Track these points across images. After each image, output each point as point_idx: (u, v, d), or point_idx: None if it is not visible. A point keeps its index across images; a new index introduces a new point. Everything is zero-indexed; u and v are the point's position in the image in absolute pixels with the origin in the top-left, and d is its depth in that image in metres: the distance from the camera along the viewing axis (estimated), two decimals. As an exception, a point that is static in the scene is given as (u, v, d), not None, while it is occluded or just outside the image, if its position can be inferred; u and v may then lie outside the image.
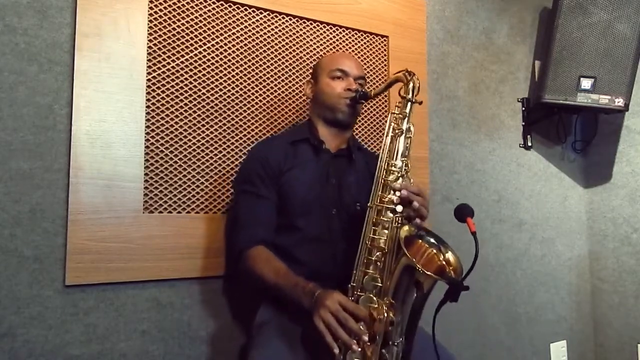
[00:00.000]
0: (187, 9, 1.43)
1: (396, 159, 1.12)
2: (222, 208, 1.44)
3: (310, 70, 1.61)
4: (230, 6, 1.50)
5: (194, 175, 1.41)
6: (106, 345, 1.27)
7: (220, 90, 1.47)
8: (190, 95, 1.42)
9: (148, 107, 1.36)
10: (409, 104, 1.16)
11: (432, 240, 1.05)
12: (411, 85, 1.16)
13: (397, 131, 1.14)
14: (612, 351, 2.20)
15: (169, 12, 1.41)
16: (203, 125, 1.44)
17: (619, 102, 1.96)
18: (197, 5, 1.45)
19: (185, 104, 1.41)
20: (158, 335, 1.34)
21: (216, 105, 1.46)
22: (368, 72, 1.75)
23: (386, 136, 1.16)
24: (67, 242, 1.23)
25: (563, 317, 2.21)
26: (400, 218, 1.07)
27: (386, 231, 1.07)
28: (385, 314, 1.00)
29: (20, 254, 1.19)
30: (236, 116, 1.49)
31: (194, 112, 1.43)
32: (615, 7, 1.90)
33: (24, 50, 1.23)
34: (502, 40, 2.14)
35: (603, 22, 1.91)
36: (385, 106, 1.78)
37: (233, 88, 1.49)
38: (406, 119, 1.15)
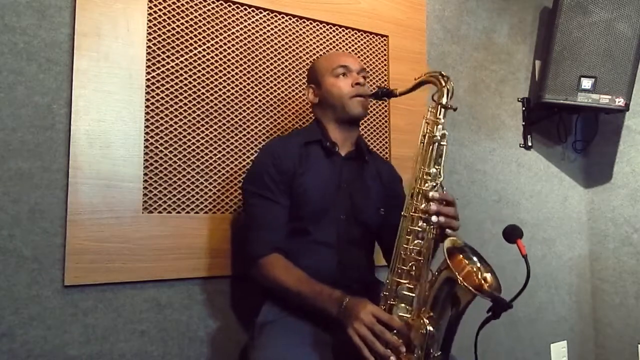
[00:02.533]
0: (187, 9, 1.43)
1: (430, 167, 1.07)
2: (222, 208, 1.44)
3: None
4: (230, 6, 1.50)
5: (193, 175, 1.41)
6: (105, 346, 1.27)
7: (220, 90, 1.47)
8: (190, 95, 1.42)
9: (147, 106, 1.36)
10: (443, 110, 1.09)
11: (474, 257, 1.02)
12: (446, 90, 1.10)
13: (431, 138, 1.08)
14: (612, 351, 2.20)
15: (169, 11, 1.40)
16: (202, 125, 1.43)
17: (620, 102, 1.96)
18: (196, 4, 1.44)
19: (185, 104, 1.41)
20: (157, 336, 1.34)
21: (216, 105, 1.46)
22: (368, 72, 1.74)
23: (420, 143, 1.10)
24: (66, 242, 1.23)
25: (563, 318, 2.21)
26: (435, 228, 1.04)
27: (421, 241, 1.04)
28: (429, 327, 0.97)
29: (19, 254, 1.19)
30: (236, 116, 1.49)
31: (194, 112, 1.42)
32: (616, 7, 1.90)
33: (22, 49, 1.22)
34: (502, 40, 2.14)
35: (603, 21, 1.90)
36: (385, 106, 1.77)
37: (233, 88, 1.49)
38: (440, 125, 1.08)
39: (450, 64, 1.98)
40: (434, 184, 1.06)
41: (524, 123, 2.16)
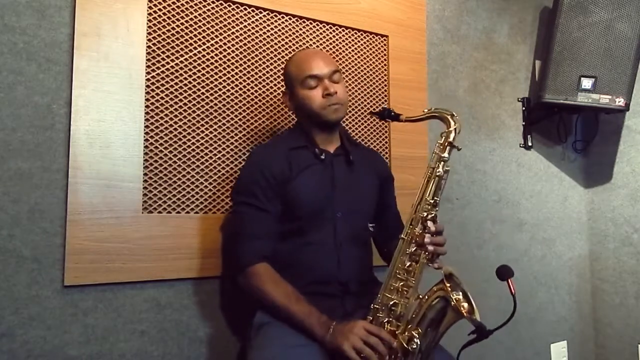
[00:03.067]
0: (187, 9, 1.43)
1: (430, 198, 1.15)
2: (222, 208, 1.44)
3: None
4: (229, 5, 1.50)
5: (193, 175, 1.41)
6: (105, 346, 1.27)
7: (220, 90, 1.47)
8: (190, 95, 1.42)
9: (147, 106, 1.35)
10: (449, 148, 1.16)
11: (460, 289, 1.09)
12: (454, 131, 1.16)
13: (435, 172, 1.16)
14: (612, 352, 2.19)
15: (168, 11, 1.40)
16: (202, 125, 1.43)
17: (620, 101, 1.96)
18: (196, 4, 1.44)
19: (185, 104, 1.41)
20: (157, 336, 1.34)
21: (216, 105, 1.46)
22: (368, 72, 1.75)
23: (426, 173, 1.17)
24: (65, 242, 1.23)
25: (563, 318, 2.21)
26: (427, 253, 1.12)
27: (414, 263, 1.13)
28: (416, 340, 1.06)
29: (19, 254, 1.19)
30: (236, 116, 1.49)
31: (194, 112, 1.42)
32: (616, 7, 1.89)
33: (22, 49, 1.22)
34: (502, 39, 2.14)
35: (603, 21, 1.90)
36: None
37: (233, 88, 1.49)
38: (444, 162, 1.16)
39: (450, 64, 1.98)
40: (432, 214, 1.14)
41: (524, 123, 2.16)
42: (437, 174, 1.15)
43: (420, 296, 1.11)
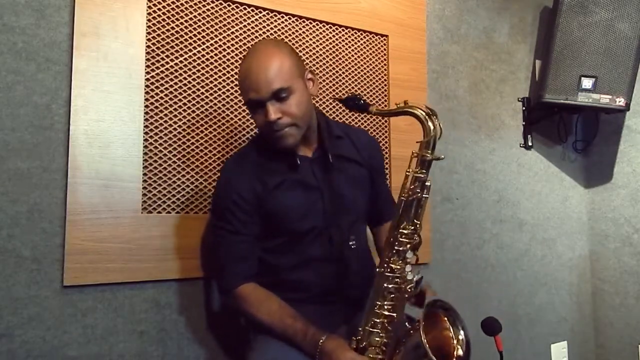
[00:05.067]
0: (186, 8, 1.42)
1: (409, 223, 1.01)
2: (221, 208, 1.44)
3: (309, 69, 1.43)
4: (229, 5, 1.49)
5: (192, 175, 1.41)
6: (104, 346, 1.27)
7: (220, 90, 1.46)
8: (190, 95, 1.41)
9: (147, 106, 1.35)
10: (430, 162, 0.99)
11: (452, 319, 1.03)
12: (432, 139, 0.98)
13: (414, 192, 1.00)
14: (612, 352, 2.19)
15: (168, 11, 1.40)
16: (202, 125, 1.43)
17: (620, 101, 1.96)
18: (196, 4, 1.44)
19: (184, 104, 1.41)
20: (157, 336, 1.34)
21: (215, 105, 1.45)
22: (368, 72, 1.74)
23: (400, 196, 1.02)
24: (65, 242, 1.23)
25: (564, 318, 2.21)
26: (409, 287, 1.02)
27: (397, 294, 1.03)
28: None
29: (19, 255, 1.19)
30: (235, 116, 1.48)
31: (193, 112, 1.42)
32: (616, 6, 1.89)
33: (21, 49, 1.22)
34: (502, 39, 2.13)
35: (604, 21, 1.90)
36: (385, 106, 1.77)
37: (233, 88, 1.48)
38: (423, 182, 1.00)
39: (450, 63, 1.98)
40: (414, 241, 1.02)
41: (524, 123, 2.16)
42: (414, 197, 0.99)
43: (407, 323, 1.04)
